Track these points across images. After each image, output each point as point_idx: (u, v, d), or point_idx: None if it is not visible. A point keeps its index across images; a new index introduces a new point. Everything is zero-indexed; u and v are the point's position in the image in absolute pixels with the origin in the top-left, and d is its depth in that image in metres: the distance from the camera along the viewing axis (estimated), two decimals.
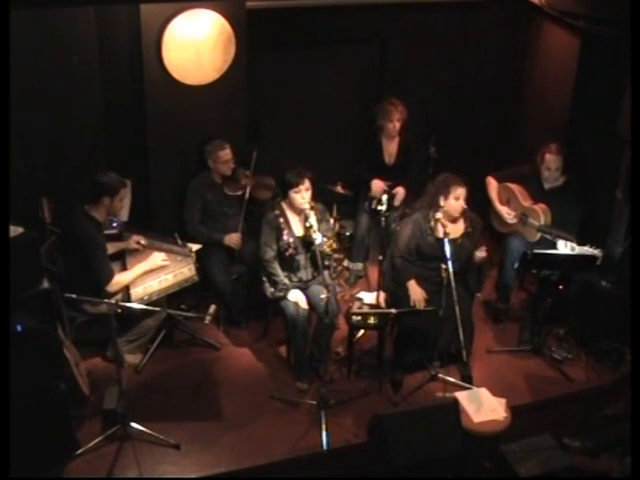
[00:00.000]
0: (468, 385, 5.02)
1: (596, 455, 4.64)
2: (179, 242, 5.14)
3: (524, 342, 5.53)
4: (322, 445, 4.57)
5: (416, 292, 5.04)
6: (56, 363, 4.22)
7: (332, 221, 5.64)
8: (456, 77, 6.62)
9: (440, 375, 5.05)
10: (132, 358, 5.11)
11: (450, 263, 4.75)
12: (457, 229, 5.11)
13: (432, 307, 4.89)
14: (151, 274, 4.83)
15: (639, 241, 4.00)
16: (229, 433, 4.66)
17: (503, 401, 4.56)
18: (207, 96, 5.39)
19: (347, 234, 6.19)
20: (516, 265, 5.51)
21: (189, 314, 4.89)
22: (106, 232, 4.90)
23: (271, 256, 5.04)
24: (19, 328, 3.91)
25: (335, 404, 4.83)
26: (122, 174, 4.89)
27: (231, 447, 4.56)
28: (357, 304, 5.24)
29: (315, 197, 5.04)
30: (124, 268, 4.88)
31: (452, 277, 4.73)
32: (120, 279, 4.75)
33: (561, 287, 5.36)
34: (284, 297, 5.01)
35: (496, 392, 4.67)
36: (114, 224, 5.00)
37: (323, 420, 4.67)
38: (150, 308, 4.56)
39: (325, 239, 4.94)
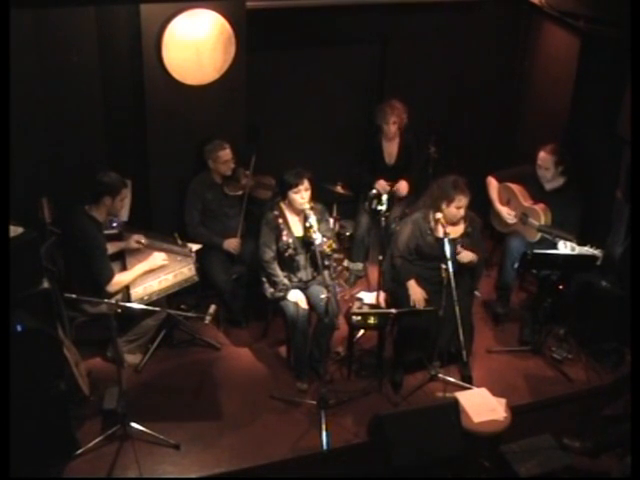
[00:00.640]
0: (468, 385, 5.02)
1: (596, 455, 4.64)
2: (179, 242, 5.14)
3: (524, 342, 5.53)
4: (322, 445, 4.56)
5: (416, 292, 5.04)
6: (56, 363, 4.22)
7: (332, 221, 5.64)
8: (456, 77, 6.61)
9: (440, 375, 5.05)
10: (132, 358, 5.11)
11: (450, 263, 4.76)
12: (457, 229, 5.11)
13: (432, 307, 4.89)
14: (151, 274, 4.83)
15: (639, 241, 4.00)
16: (229, 433, 4.66)
17: (503, 401, 4.56)
18: (207, 96, 5.39)
19: (347, 234, 6.19)
20: (516, 265, 5.50)
21: (189, 314, 4.89)
22: (106, 232, 4.90)
23: (270, 257, 5.04)
24: (19, 328, 3.91)
25: (335, 404, 4.83)
26: (122, 174, 4.89)
27: (231, 447, 4.56)
28: (357, 304, 5.24)
29: (315, 197, 5.04)
30: (124, 268, 4.88)
31: (452, 277, 4.74)
32: (120, 279, 4.75)
33: (561, 287, 5.36)
34: (284, 297, 5.02)
35: (496, 392, 4.67)
36: (114, 224, 5.00)
37: (323, 420, 4.67)
38: (150, 308, 4.56)
39: (325, 239, 4.93)
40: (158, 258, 4.87)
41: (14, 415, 3.68)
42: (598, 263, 5.05)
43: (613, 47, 5.35)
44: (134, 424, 4.48)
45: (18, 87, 4.52)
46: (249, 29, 5.36)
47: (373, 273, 6.03)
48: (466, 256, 4.99)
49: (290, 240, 5.03)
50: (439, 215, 4.99)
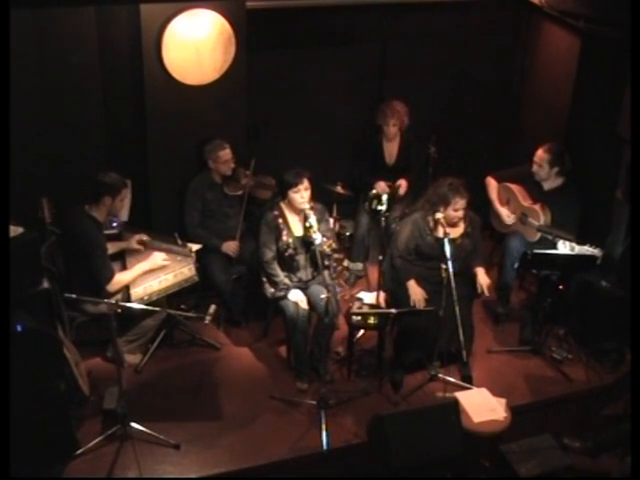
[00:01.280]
0: (468, 385, 5.02)
1: (596, 455, 4.64)
2: (179, 242, 5.13)
3: (524, 342, 5.53)
4: (322, 445, 4.56)
5: (416, 292, 5.04)
6: (56, 363, 4.22)
7: (332, 221, 5.64)
8: (456, 77, 6.61)
9: (440, 375, 5.05)
10: (132, 358, 5.11)
11: (450, 263, 4.76)
12: (457, 229, 5.11)
13: (432, 307, 4.89)
14: (151, 274, 4.83)
15: (639, 241, 4.00)
16: (229, 433, 4.66)
17: (503, 401, 4.56)
18: (207, 96, 5.39)
19: (347, 234, 6.19)
20: (516, 265, 5.51)
21: (189, 314, 4.88)
22: (106, 232, 4.90)
23: (270, 257, 5.04)
24: (19, 328, 3.91)
25: (335, 404, 4.83)
26: (122, 174, 4.89)
27: (231, 447, 4.56)
28: (357, 304, 5.24)
29: (315, 197, 5.04)
30: (124, 268, 4.88)
31: (452, 277, 4.74)
32: (120, 279, 4.75)
33: (561, 287, 5.36)
34: (284, 297, 5.02)
35: (496, 392, 4.67)
36: (114, 224, 5.00)
37: (323, 420, 4.67)
38: (150, 308, 4.56)
39: (325, 239, 4.93)
40: (158, 258, 4.87)
41: (14, 415, 3.67)
42: (598, 263, 5.06)
43: (613, 47, 5.35)
44: (134, 424, 4.48)
45: (18, 87, 4.53)
46: (249, 29, 5.36)
47: (373, 273, 6.03)
48: (484, 281, 5.03)
49: (290, 240, 5.03)
50: (439, 215, 4.99)
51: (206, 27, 5.18)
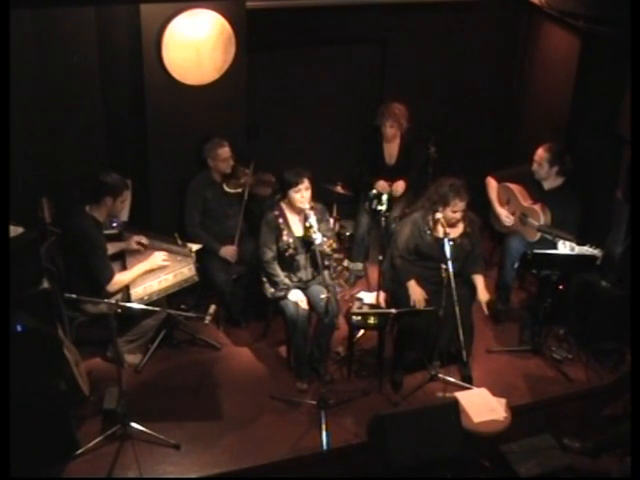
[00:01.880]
0: (468, 385, 5.02)
1: (596, 455, 4.65)
2: (179, 242, 5.13)
3: (524, 342, 5.53)
4: (322, 445, 4.57)
5: (416, 292, 5.04)
6: (56, 363, 4.22)
7: (332, 221, 5.64)
8: (456, 77, 6.61)
9: (440, 375, 5.05)
10: (132, 358, 5.11)
11: (450, 263, 4.76)
12: (456, 229, 5.11)
13: (432, 307, 4.89)
14: (151, 274, 4.83)
15: (639, 241, 4.00)
16: (229, 433, 4.66)
17: (503, 401, 4.56)
18: (207, 96, 5.39)
19: (347, 234, 6.19)
20: (516, 265, 5.51)
21: (189, 314, 4.89)
22: (106, 232, 4.90)
23: (270, 257, 5.04)
24: (19, 328, 3.91)
25: (335, 404, 4.83)
26: (122, 174, 4.88)
27: (231, 447, 4.56)
28: (357, 304, 5.24)
29: (315, 197, 5.04)
30: (124, 268, 4.88)
31: (452, 277, 4.74)
32: (121, 278, 4.74)
33: (561, 287, 5.37)
34: (285, 297, 5.01)
35: (496, 392, 4.67)
36: (114, 224, 5.00)
37: (323, 420, 4.67)
38: (150, 308, 4.56)
39: (325, 239, 4.93)
40: (158, 258, 4.87)
41: (14, 415, 3.67)
42: (598, 263, 5.06)
43: (613, 47, 5.35)
44: (134, 424, 4.48)
45: (18, 87, 4.53)
46: (249, 29, 5.36)
47: (373, 273, 6.03)
48: (484, 298, 5.05)
49: (290, 240, 5.03)
50: (439, 215, 4.99)
51: (206, 27, 5.18)
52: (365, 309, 5.15)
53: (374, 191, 5.94)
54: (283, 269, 5.09)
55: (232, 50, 5.31)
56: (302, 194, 4.92)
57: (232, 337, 5.53)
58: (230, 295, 5.48)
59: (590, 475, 4.63)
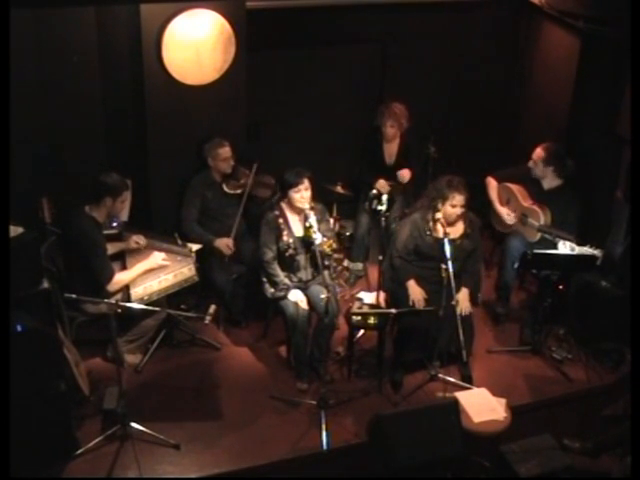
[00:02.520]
0: (468, 385, 5.02)
1: (596, 455, 4.64)
2: (179, 242, 5.14)
3: (524, 342, 5.53)
4: (322, 445, 4.57)
5: (416, 292, 5.04)
6: (56, 363, 4.22)
7: (332, 221, 5.64)
8: (456, 77, 6.62)
9: (440, 375, 5.05)
10: (132, 358, 5.11)
11: (450, 263, 4.76)
12: (457, 230, 5.10)
13: (432, 307, 4.89)
14: (151, 274, 4.83)
15: (639, 241, 4.00)
16: (229, 433, 4.66)
17: (503, 401, 4.56)
18: (207, 96, 5.39)
19: (347, 234, 6.19)
20: (516, 265, 5.51)
21: (189, 314, 4.89)
22: (106, 232, 4.90)
23: (270, 257, 5.04)
24: (19, 328, 3.91)
25: (335, 404, 4.83)
26: (122, 174, 4.88)
27: (231, 447, 4.56)
28: (357, 304, 5.24)
29: (315, 197, 5.04)
30: (124, 268, 4.88)
31: (452, 277, 4.74)
32: (121, 278, 4.75)
33: (561, 287, 5.37)
34: (285, 297, 5.01)
35: (496, 392, 4.67)
36: (114, 224, 5.00)
37: (323, 420, 4.67)
38: (150, 308, 4.56)
39: (325, 239, 4.93)
40: (158, 257, 4.88)
41: (14, 415, 3.68)
42: (598, 263, 5.06)
43: (613, 47, 5.35)
44: (134, 424, 4.48)
45: (18, 87, 4.53)
46: (249, 29, 5.36)
47: (373, 273, 6.03)
48: (465, 306, 5.00)
49: (291, 240, 5.02)
50: (439, 215, 4.99)
51: (206, 27, 5.17)
52: (365, 309, 5.15)
53: (374, 191, 5.93)
54: (283, 269, 5.09)
55: (232, 50, 5.31)
56: (302, 194, 4.92)
57: (232, 337, 5.53)
58: (230, 295, 5.48)
59: (590, 475, 4.63)
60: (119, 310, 4.24)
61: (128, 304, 4.48)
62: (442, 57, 6.51)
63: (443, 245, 4.83)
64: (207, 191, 5.46)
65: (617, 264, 5.48)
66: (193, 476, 4.38)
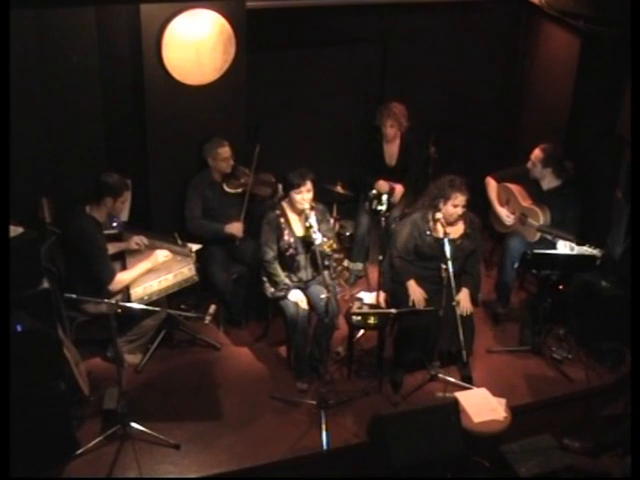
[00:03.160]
0: (468, 385, 5.02)
1: (596, 455, 4.64)
2: (179, 242, 5.14)
3: (524, 342, 5.53)
4: (322, 445, 4.57)
5: (416, 292, 5.04)
6: (56, 363, 4.22)
7: (332, 221, 5.64)
8: (456, 77, 6.61)
9: (440, 375, 5.05)
10: (132, 358, 5.11)
11: (450, 263, 4.76)
12: (457, 230, 5.11)
13: (432, 307, 4.89)
14: (151, 274, 4.83)
15: (639, 241, 4.00)
16: (229, 433, 4.66)
17: (503, 401, 4.56)
18: (207, 96, 5.39)
19: (347, 234, 6.19)
20: (516, 265, 5.51)
21: (189, 314, 4.89)
22: (106, 232, 4.90)
23: (271, 256, 5.04)
24: (19, 328, 3.91)
25: (335, 404, 4.83)
26: (122, 174, 4.89)
27: (231, 447, 4.56)
28: (357, 304, 5.24)
29: (315, 197, 5.04)
30: (124, 268, 4.89)
31: (452, 277, 4.74)
32: (122, 278, 4.75)
33: (561, 287, 5.37)
34: (285, 297, 5.01)
35: (496, 392, 4.67)
36: (114, 224, 5.00)
37: (323, 420, 4.67)
38: (150, 308, 4.56)
39: (325, 239, 4.93)
40: (160, 255, 4.88)
41: (14, 415, 3.67)
42: (598, 263, 5.06)
43: (613, 47, 5.35)
44: (134, 424, 4.48)
45: (18, 87, 4.53)
46: (249, 29, 5.36)
47: (373, 273, 6.03)
48: (466, 307, 5.01)
49: (292, 240, 5.03)
50: (439, 215, 4.99)
51: (206, 27, 5.17)
52: (365, 309, 5.15)
53: (374, 191, 5.94)
54: (283, 269, 5.09)
55: (232, 50, 5.31)
56: (303, 196, 4.92)
57: (232, 337, 5.53)
58: (230, 295, 5.48)
59: (590, 475, 4.62)
60: (119, 310, 4.24)
61: (128, 304, 4.48)
62: (442, 57, 6.50)
63: (443, 245, 4.83)
64: (207, 190, 5.46)
65: (617, 264, 5.49)
66: (193, 476, 4.38)
